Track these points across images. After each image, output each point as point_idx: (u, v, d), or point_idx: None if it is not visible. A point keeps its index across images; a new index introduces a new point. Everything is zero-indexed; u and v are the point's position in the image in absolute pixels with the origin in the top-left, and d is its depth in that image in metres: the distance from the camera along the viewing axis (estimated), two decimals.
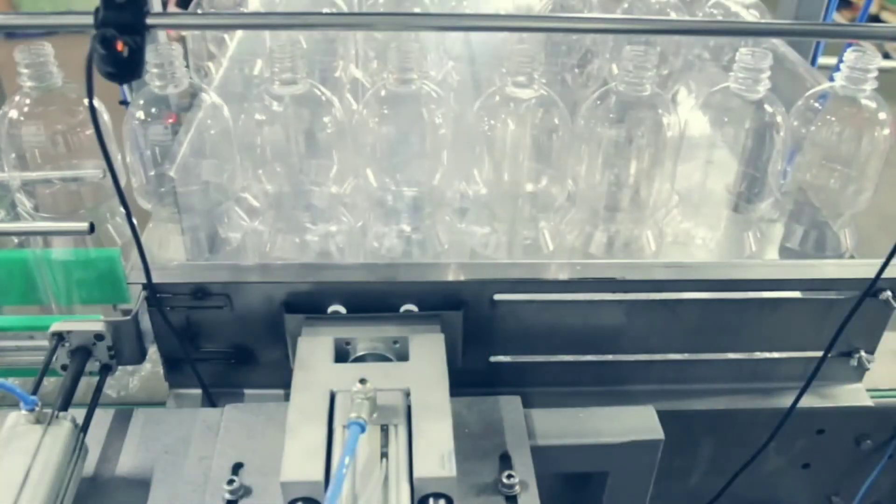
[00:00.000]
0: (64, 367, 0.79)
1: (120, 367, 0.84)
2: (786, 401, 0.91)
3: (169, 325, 0.84)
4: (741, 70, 0.94)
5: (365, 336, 0.81)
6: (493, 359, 0.91)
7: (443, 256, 0.97)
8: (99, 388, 0.80)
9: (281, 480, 0.64)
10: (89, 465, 0.77)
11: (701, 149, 1.04)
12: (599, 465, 0.86)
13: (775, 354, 0.94)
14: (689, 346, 0.92)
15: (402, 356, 0.80)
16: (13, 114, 0.88)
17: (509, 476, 0.72)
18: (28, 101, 0.88)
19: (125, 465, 0.78)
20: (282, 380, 0.83)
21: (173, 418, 0.83)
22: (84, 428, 0.73)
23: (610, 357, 0.92)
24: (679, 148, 0.98)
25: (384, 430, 0.68)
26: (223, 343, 0.88)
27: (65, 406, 0.74)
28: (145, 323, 0.84)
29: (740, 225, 1.04)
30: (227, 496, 0.70)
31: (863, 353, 0.93)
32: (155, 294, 0.82)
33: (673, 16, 1.24)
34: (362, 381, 0.68)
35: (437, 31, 1.19)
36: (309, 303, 0.84)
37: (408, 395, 0.72)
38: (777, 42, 1.17)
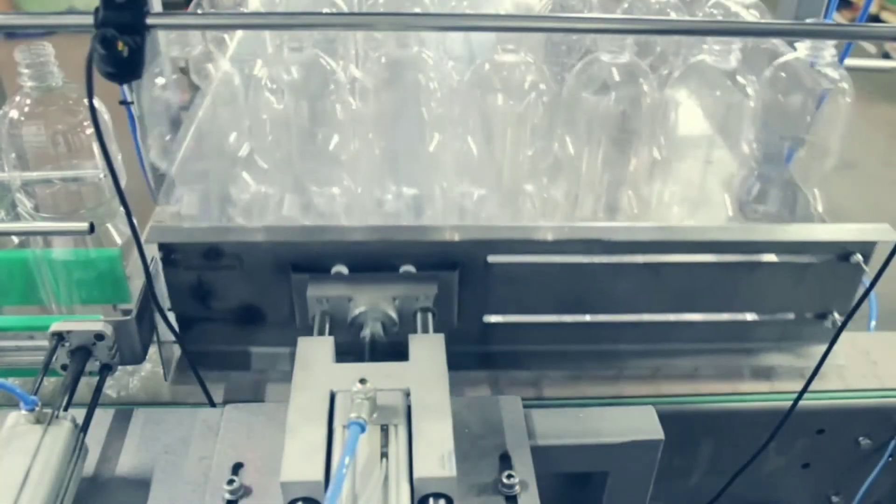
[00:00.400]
0: (64, 367, 0.79)
1: (120, 367, 0.84)
2: (764, 361, 0.97)
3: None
4: (715, 43, 1.00)
5: (365, 294, 0.86)
6: (486, 318, 0.95)
7: (439, 220, 1.00)
8: (99, 388, 0.81)
9: (281, 480, 0.64)
10: (89, 465, 0.77)
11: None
12: (599, 465, 0.86)
13: (754, 316, 0.98)
14: (672, 306, 0.97)
15: (403, 314, 0.86)
16: (13, 114, 0.88)
17: (509, 476, 0.72)
18: (28, 101, 0.88)
19: (125, 465, 0.78)
20: (288, 339, 0.86)
21: (173, 418, 0.83)
22: (84, 428, 0.73)
23: (598, 317, 0.97)
24: (660, 117, 1.03)
25: (384, 430, 0.68)
26: (233, 303, 0.92)
27: (65, 406, 0.74)
28: (144, 326, 0.84)
29: (718, 189, 1.10)
30: (227, 496, 0.70)
31: (836, 315, 0.96)
32: (170, 254, 0.87)
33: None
34: (362, 381, 0.68)
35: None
36: (314, 263, 0.89)
37: (408, 395, 0.72)
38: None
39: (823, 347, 0.90)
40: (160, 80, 1.02)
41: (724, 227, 1.03)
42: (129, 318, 0.81)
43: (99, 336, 0.79)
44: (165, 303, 0.89)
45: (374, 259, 0.89)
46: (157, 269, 0.87)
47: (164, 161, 1.04)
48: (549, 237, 0.91)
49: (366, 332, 0.86)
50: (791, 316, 0.97)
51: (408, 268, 0.89)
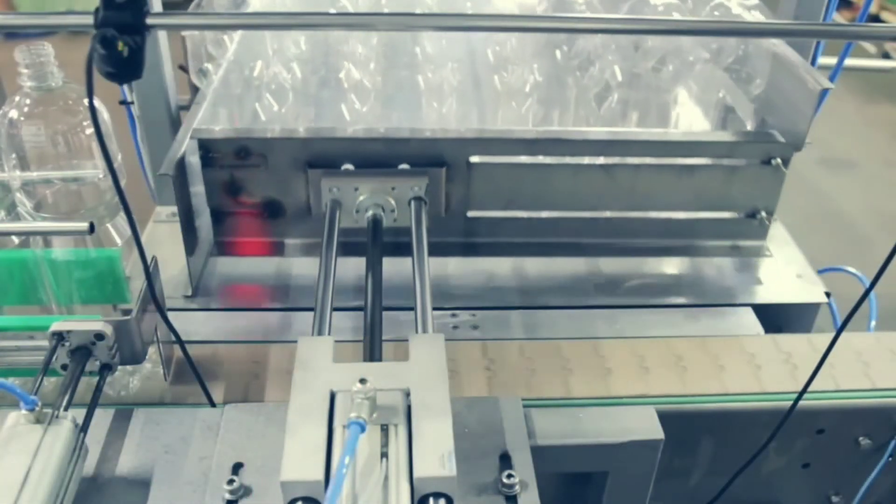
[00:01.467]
0: (64, 367, 0.79)
1: (120, 367, 0.84)
2: (704, 252, 1.18)
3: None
4: None
5: (368, 184, 1.05)
6: (470, 213, 1.14)
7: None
8: (99, 388, 0.81)
9: (281, 480, 0.64)
10: (89, 465, 0.77)
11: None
12: (599, 465, 0.86)
13: (694, 214, 1.18)
14: (626, 205, 1.16)
15: (399, 202, 1.05)
16: (13, 114, 0.88)
17: (509, 476, 0.72)
18: (28, 101, 0.88)
19: (125, 465, 0.78)
20: (305, 230, 1.14)
21: (173, 418, 0.83)
22: (84, 428, 0.73)
23: (564, 213, 1.16)
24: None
25: (384, 429, 0.68)
26: (259, 197, 1.12)
27: (65, 406, 0.74)
28: (144, 326, 0.84)
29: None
30: (227, 496, 0.70)
31: (763, 213, 1.16)
32: (207, 153, 1.06)
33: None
34: (362, 380, 0.68)
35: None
36: (326, 160, 1.08)
37: (408, 395, 0.72)
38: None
39: (755, 242, 1.15)
40: None
41: (664, 132, 1.20)
42: (129, 318, 0.80)
43: (99, 336, 0.79)
44: (166, 302, 0.89)
45: (375, 157, 1.08)
46: (158, 268, 0.87)
47: (201, 82, 1.24)
48: (523, 137, 1.10)
49: (369, 215, 1.05)
50: (726, 215, 1.17)
51: (404, 166, 1.08)
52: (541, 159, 1.11)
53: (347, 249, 0.99)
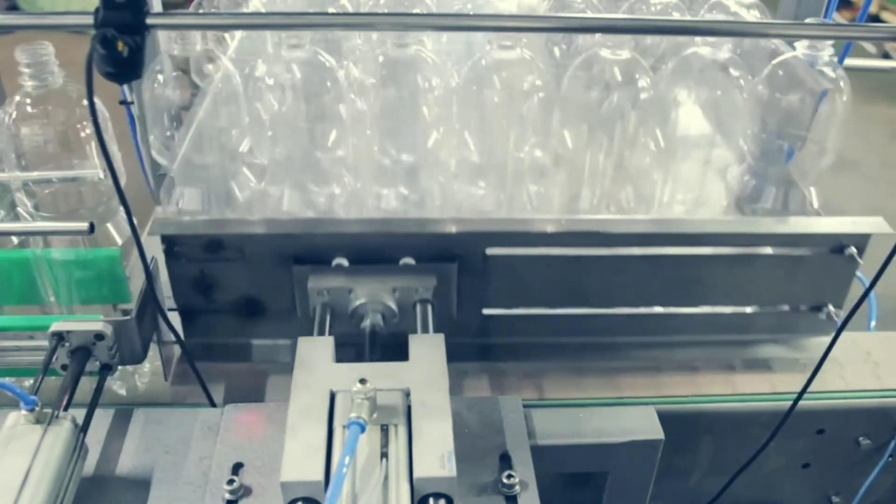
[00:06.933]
0: (64, 367, 0.79)
1: (120, 367, 0.84)
2: (761, 353, 0.99)
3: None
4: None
5: (365, 285, 0.88)
6: (485, 311, 0.97)
7: (437, 214, 1.02)
8: (99, 388, 0.80)
9: (281, 480, 0.64)
10: (89, 465, 0.77)
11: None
12: (599, 465, 0.86)
13: (751, 308, 1.00)
14: (668, 299, 0.99)
15: (402, 305, 0.88)
16: (13, 114, 0.88)
17: (509, 476, 0.72)
18: (28, 101, 0.88)
19: (125, 465, 0.78)
20: (289, 331, 0.91)
21: (173, 418, 0.83)
22: (84, 428, 0.73)
23: (596, 310, 0.98)
24: (658, 112, 1.04)
25: (384, 430, 0.68)
26: (234, 295, 0.94)
27: (65, 406, 0.74)
28: (144, 326, 0.84)
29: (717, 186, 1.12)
30: (227, 496, 0.70)
31: (831, 308, 0.99)
32: (172, 247, 0.89)
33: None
34: (362, 381, 0.68)
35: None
36: (315, 255, 0.90)
37: (408, 395, 0.72)
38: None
39: (818, 339, 0.92)
40: (160, 77, 1.04)
41: (718, 220, 1.05)
42: (129, 318, 0.80)
43: (99, 336, 0.79)
44: (166, 302, 0.89)
45: (373, 251, 0.91)
46: (158, 268, 0.87)
47: (165, 158, 1.07)
48: (547, 229, 0.93)
49: (366, 324, 0.87)
50: (786, 308, 1.00)
51: (407, 260, 0.91)
52: (570, 251, 0.94)
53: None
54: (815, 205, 1.06)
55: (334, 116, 1.01)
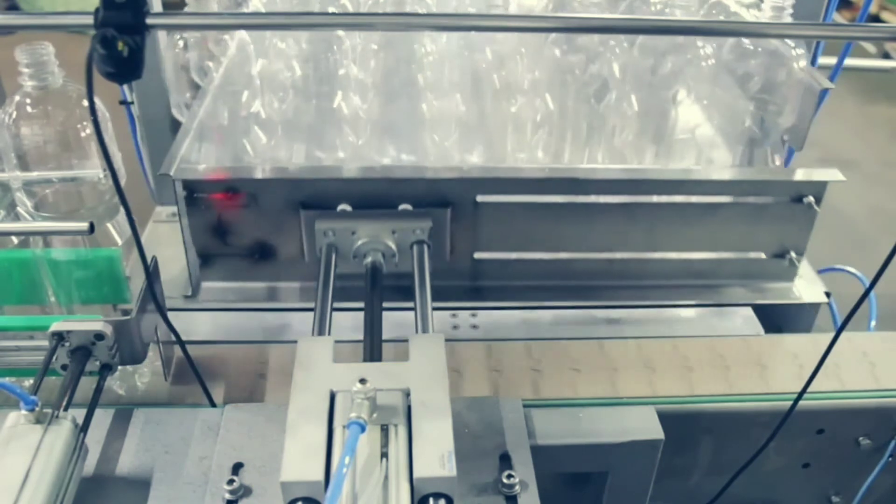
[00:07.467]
0: (64, 367, 0.79)
1: (120, 367, 0.84)
2: (727, 297, 1.09)
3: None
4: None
5: (367, 227, 0.97)
6: (477, 255, 1.06)
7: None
8: (99, 388, 0.80)
9: (281, 480, 0.64)
10: (89, 465, 0.77)
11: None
12: (599, 465, 0.86)
13: (718, 255, 1.09)
14: (643, 245, 1.07)
15: (400, 246, 0.97)
16: (13, 114, 0.88)
17: (509, 476, 0.72)
18: (28, 101, 0.88)
19: (125, 465, 0.78)
20: (297, 273, 1.04)
21: (173, 418, 0.83)
22: (84, 428, 0.73)
23: (576, 255, 1.07)
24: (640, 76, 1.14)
25: (384, 430, 0.68)
26: (248, 239, 1.03)
27: (65, 406, 0.74)
28: (144, 326, 0.84)
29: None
30: (227, 496, 0.70)
31: (793, 254, 1.08)
32: (192, 193, 0.98)
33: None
34: (362, 381, 0.68)
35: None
36: (321, 201, 1.00)
37: (408, 395, 0.72)
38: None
39: (782, 284, 1.05)
40: (181, 43, 1.18)
41: (688, 170, 1.14)
42: (129, 318, 0.80)
43: (99, 336, 0.79)
44: (166, 302, 0.89)
45: (374, 197, 1.00)
46: (158, 268, 0.87)
47: (183, 116, 1.18)
48: (533, 176, 1.03)
49: (367, 261, 0.96)
50: (752, 255, 1.09)
51: (405, 206, 1.00)
52: (553, 198, 1.03)
53: (344, 294, 0.91)
54: (778, 163, 1.16)
55: (338, 79, 1.14)
